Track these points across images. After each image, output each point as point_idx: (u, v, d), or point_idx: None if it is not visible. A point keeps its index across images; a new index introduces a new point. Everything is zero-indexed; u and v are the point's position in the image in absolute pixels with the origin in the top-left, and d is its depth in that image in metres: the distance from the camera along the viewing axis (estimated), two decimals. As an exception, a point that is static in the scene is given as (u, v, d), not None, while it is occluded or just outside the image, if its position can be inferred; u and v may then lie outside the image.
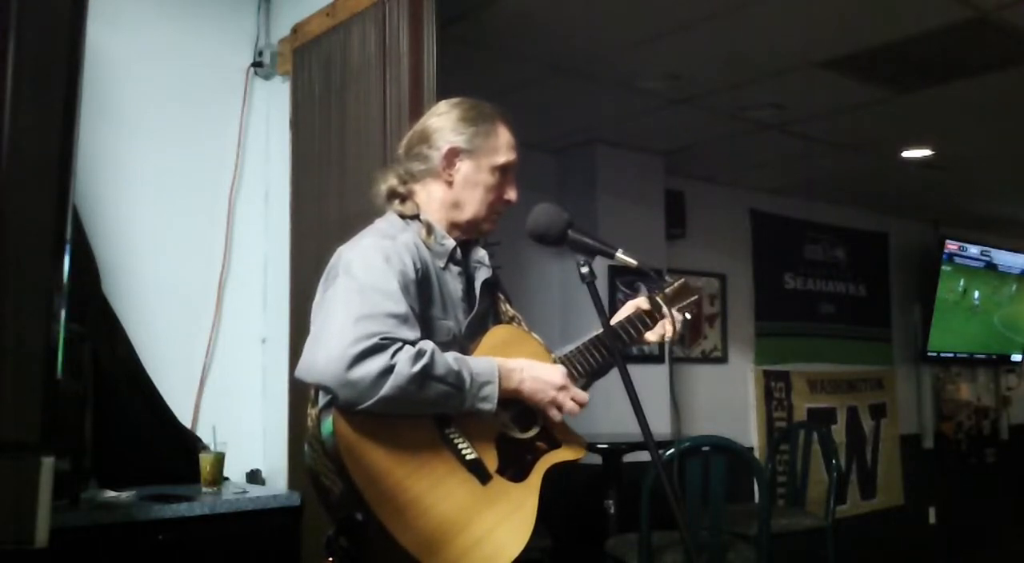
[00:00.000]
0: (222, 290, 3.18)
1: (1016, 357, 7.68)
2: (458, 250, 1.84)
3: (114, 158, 2.98)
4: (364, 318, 1.57)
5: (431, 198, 1.84)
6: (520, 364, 1.72)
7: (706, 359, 5.54)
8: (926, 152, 5.13)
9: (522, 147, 1.88)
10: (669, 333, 1.97)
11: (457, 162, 1.82)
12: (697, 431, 4.39)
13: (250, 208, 3.26)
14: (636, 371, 1.65)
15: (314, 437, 1.64)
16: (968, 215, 6.96)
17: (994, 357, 7.50)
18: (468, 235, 1.87)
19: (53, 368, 0.86)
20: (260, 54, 3.27)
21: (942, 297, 6.76)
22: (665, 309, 1.99)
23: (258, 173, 3.28)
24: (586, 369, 1.87)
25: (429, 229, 1.81)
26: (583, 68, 3.81)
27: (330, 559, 1.69)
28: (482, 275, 1.87)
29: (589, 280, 1.65)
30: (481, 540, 1.62)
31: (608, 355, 1.88)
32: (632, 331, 1.97)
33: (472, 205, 1.83)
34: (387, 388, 1.53)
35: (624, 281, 4.80)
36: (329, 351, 1.54)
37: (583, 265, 1.66)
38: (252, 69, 3.28)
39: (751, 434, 5.69)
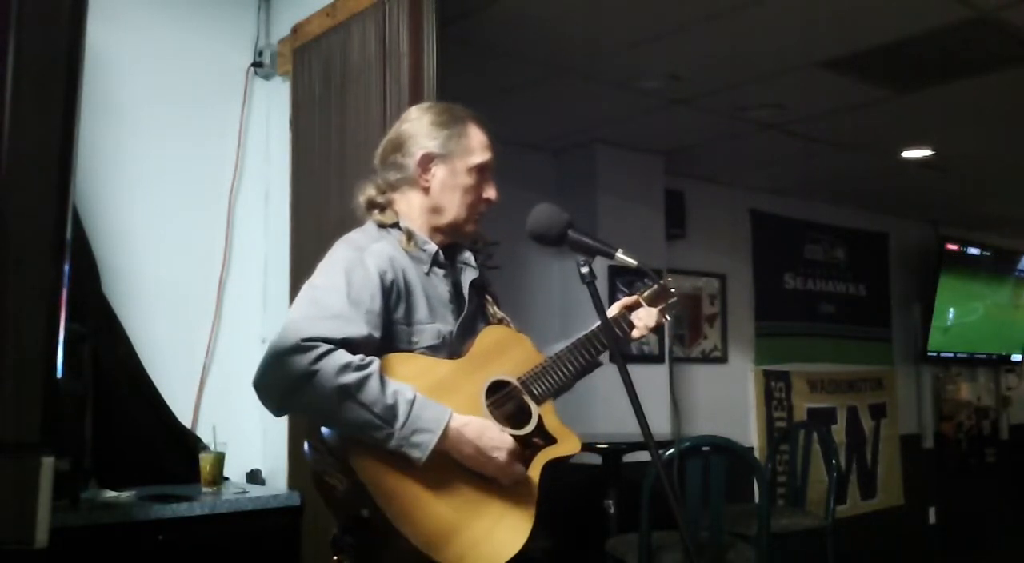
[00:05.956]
0: (222, 290, 3.18)
1: (1016, 357, 7.68)
2: (441, 254, 1.84)
3: (114, 158, 2.98)
4: (304, 319, 1.59)
5: (411, 206, 1.85)
6: (476, 433, 1.65)
7: (706, 359, 5.54)
8: (926, 152, 5.13)
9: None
10: (644, 332, 2.00)
11: (432, 167, 1.83)
12: (697, 431, 4.39)
13: (250, 208, 3.26)
14: (636, 371, 1.65)
15: (316, 438, 1.65)
16: (968, 215, 6.96)
17: (994, 357, 7.51)
18: (452, 238, 1.88)
19: (53, 368, 0.86)
20: (260, 54, 3.27)
21: (942, 297, 6.77)
22: (643, 310, 2.02)
23: (258, 173, 3.28)
24: (577, 368, 1.89)
25: (409, 236, 1.81)
26: (583, 68, 3.81)
27: (335, 558, 1.70)
28: (468, 276, 1.88)
29: (589, 280, 1.64)
30: (485, 535, 1.64)
31: (593, 356, 1.91)
32: (617, 332, 1.99)
33: (452, 208, 1.83)
34: (305, 396, 1.54)
35: (624, 281, 4.80)
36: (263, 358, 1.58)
37: (583, 265, 1.65)
38: (252, 69, 3.28)
39: (751, 434, 5.69)
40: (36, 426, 0.83)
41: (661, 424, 4.50)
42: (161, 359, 2.95)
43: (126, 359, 2.84)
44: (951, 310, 6.93)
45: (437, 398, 1.65)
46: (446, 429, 1.61)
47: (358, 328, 1.61)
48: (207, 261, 3.16)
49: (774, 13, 3.23)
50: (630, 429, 2.05)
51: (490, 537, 1.65)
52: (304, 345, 1.54)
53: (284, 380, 1.56)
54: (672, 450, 2.90)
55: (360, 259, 1.70)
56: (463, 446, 1.64)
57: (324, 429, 1.61)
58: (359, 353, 1.58)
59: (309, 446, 1.69)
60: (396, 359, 1.67)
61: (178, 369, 3.04)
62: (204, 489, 2.73)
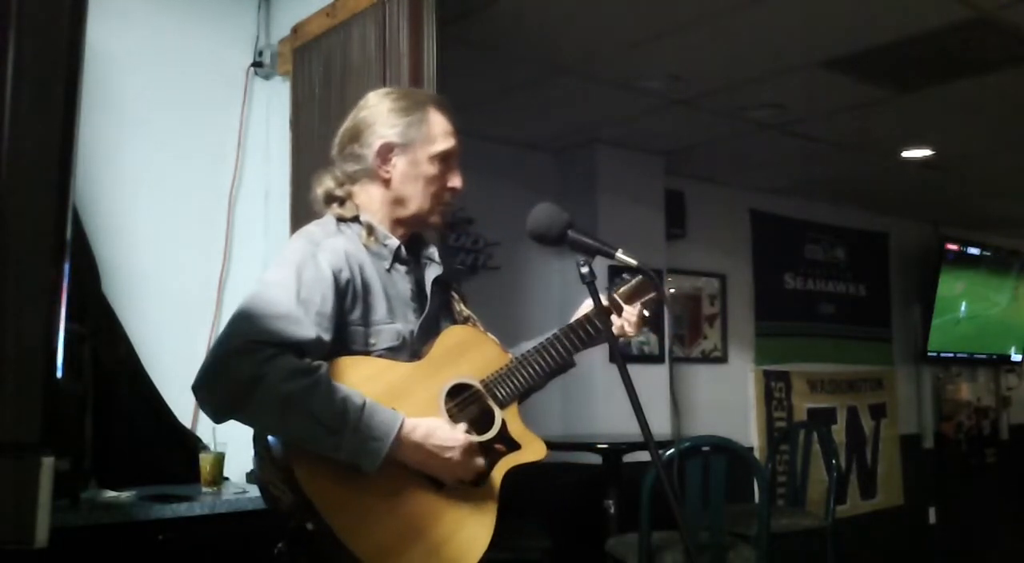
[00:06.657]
0: (222, 290, 3.18)
1: (1016, 357, 7.68)
2: (403, 249, 1.77)
3: (114, 158, 2.98)
4: (250, 319, 1.51)
5: (371, 198, 1.76)
6: (425, 434, 1.58)
7: (706, 359, 5.54)
8: (926, 152, 5.13)
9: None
10: (628, 331, 1.91)
11: (392, 157, 1.74)
12: (697, 431, 4.39)
13: (250, 208, 3.26)
14: (636, 371, 1.64)
15: (262, 446, 1.59)
16: (968, 215, 6.96)
17: (994, 357, 7.51)
18: (416, 229, 1.81)
19: (53, 368, 0.86)
20: (260, 54, 3.27)
21: (942, 297, 6.77)
22: (623, 306, 1.93)
23: (258, 173, 3.28)
24: (545, 368, 1.82)
25: (370, 230, 1.73)
26: (583, 68, 3.81)
27: None
28: (432, 273, 1.81)
29: (589, 280, 1.62)
30: (438, 547, 1.58)
31: (565, 356, 1.83)
32: (590, 329, 1.88)
33: (415, 199, 1.75)
34: (249, 402, 1.46)
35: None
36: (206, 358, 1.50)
37: (583, 265, 1.62)
38: (252, 69, 3.28)
39: (751, 434, 5.69)
40: (36, 426, 0.83)
41: (661, 424, 4.50)
42: (161, 359, 2.95)
43: (126, 359, 2.84)
44: (963, 304, 6.92)
45: (390, 403, 1.58)
46: (397, 435, 1.53)
47: (306, 330, 1.53)
48: (207, 261, 3.16)
49: (774, 13, 3.23)
50: (630, 429, 2.05)
51: (445, 549, 1.58)
52: (250, 347, 1.47)
53: (227, 384, 1.48)
54: (672, 450, 2.91)
55: (313, 255, 1.62)
56: (414, 451, 1.56)
57: (270, 438, 1.55)
58: (307, 357, 1.51)
59: (255, 453, 1.62)
60: (348, 362, 1.60)
61: (178, 369, 3.02)
62: (204, 489, 2.73)
